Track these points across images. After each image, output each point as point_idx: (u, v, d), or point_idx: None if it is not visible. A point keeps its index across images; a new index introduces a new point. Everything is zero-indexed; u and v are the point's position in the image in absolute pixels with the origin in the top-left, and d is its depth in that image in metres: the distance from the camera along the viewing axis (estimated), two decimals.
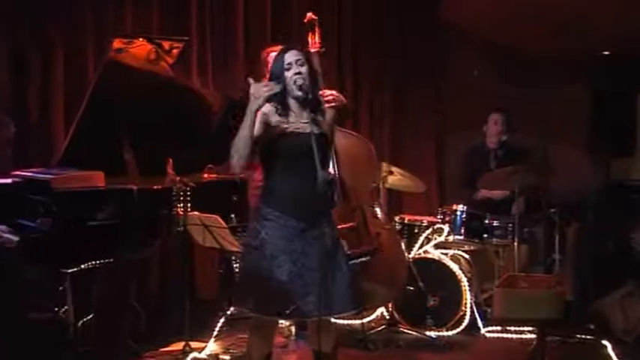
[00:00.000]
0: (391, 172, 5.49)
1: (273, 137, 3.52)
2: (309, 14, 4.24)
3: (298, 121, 3.54)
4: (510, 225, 5.51)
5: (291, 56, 3.55)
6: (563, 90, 6.55)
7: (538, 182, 5.71)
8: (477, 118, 6.10)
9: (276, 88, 3.42)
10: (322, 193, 3.32)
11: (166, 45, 4.82)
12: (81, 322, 4.45)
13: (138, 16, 5.67)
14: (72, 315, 4.37)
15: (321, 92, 3.78)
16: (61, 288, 4.38)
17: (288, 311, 3.47)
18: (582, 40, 6.38)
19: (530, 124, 6.31)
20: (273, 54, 3.94)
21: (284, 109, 3.55)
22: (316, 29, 4.19)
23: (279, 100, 3.54)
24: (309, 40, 4.19)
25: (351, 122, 6.31)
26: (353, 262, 3.66)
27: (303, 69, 3.53)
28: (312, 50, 4.14)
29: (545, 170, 5.96)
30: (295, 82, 3.51)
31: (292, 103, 3.57)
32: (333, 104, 3.79)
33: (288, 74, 3.53)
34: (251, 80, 3.42)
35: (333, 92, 3.95)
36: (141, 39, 4.72)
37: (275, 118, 3.54)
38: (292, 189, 3.51)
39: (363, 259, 4.26)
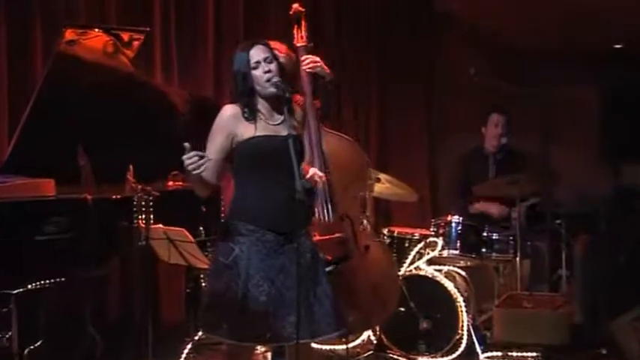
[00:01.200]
0: (378, 180, 5.46)
1: (242, 143, 3.46)
2: (296, 5, 4.17)
3: (268, 124, 3.49)
4: (511, 238, 5.52)
5: (258, 53, 3.49)
6: (569, 88, 6.57)
7: (541, 190, 5.70)
8: (473, 119, 6.09)
9: (201, 168, 3.23)
10: (301, 202, 3.26)
11: (125, 36, 4.84)
12: (27, 349, 4.36)
13: (93, 6, 5.58)
14: (17, 342, 4.26)
15: (302, 58, 3.74)
16: (4, 310, 4.26)
17: (268, 336, 3.42)
18: (590, 31, 6.38)
19: (532, 126, 6.30)
20: None
21: (251, 113, 3.49)
22: (303, 22, 4.13)
23: (245, 102, 3.48)
24: (295, 33, 4.13)
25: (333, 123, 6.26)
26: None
27: (273, 66, 3.48)
28: (299, 45, 4.09)
29: (549, 177, 5.95)
30: (269, 80, 3.45)
31: (261, 103, 3.51)
32: (314, 70, 3.76)
33: (256, 73, 3.48)
34: (186, 145, 3.25)
35: (315, 58, 3.86)
36: (96, 29, 4.72)
37: (241, 123, 3.47)
38: (267, 199, 3.46)
39: (329, 268, 4.17)
